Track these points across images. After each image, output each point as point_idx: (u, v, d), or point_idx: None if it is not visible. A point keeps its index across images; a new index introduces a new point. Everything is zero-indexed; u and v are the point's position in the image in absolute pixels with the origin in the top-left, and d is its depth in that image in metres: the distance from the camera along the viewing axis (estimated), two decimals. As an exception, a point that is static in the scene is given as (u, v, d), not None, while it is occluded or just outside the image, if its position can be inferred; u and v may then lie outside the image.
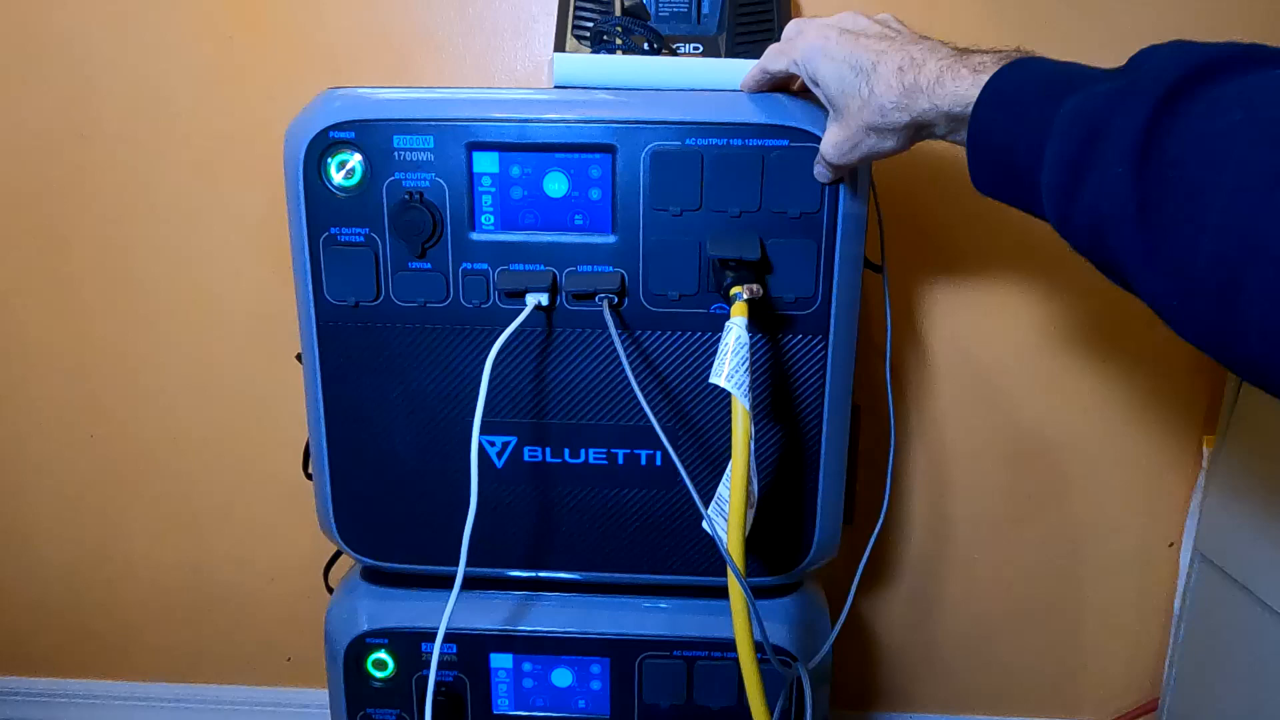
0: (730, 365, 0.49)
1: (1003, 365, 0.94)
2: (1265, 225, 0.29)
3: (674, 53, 0.69)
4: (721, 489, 0.53)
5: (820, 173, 0.56)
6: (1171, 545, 0.98)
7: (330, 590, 0.77)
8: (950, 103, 0.45)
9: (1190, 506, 0.95)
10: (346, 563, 0.73)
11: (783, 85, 0.58)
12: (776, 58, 0.55)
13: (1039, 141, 0.39)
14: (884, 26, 0.50)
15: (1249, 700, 0.84)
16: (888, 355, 0.71)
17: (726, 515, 0.50)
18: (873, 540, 0.70)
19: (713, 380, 0.50)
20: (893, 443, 0.72)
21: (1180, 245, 0.32)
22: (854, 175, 0.57)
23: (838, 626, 0.65)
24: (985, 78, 0.43)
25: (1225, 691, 0.88)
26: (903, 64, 0.46)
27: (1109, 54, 0.42)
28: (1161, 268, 0.33)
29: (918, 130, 0.48)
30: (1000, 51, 0.45)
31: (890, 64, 0.47)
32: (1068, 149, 0.37)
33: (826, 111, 0.54)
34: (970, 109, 0.43)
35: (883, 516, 0.71)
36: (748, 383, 0.50)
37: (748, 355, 0.50)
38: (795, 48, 0.52)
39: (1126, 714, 1.02)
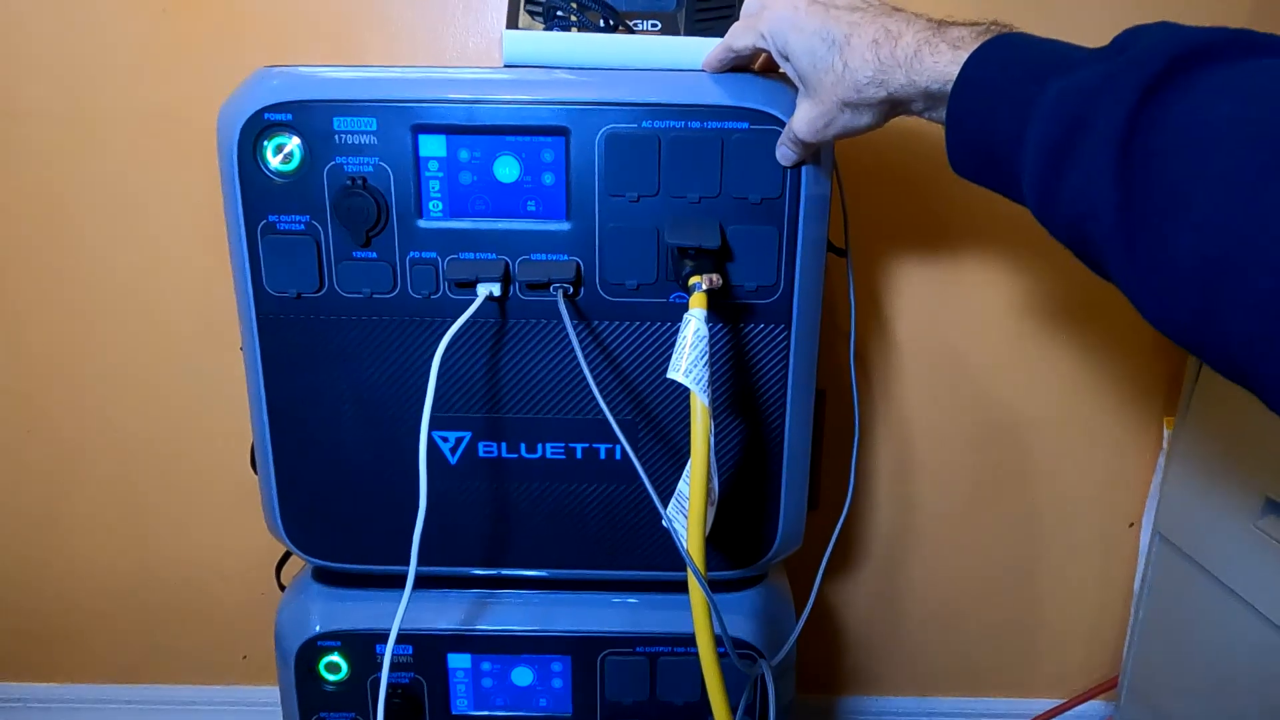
0: (689, 359, 0.47)
1: (967, 348, 0.93)
2: (1251, 226, 0.27)
3: (630, 30, 0.66)
4: (682, 485, 0.52)
5: (785, 154, 0.54)
6: (1132, 525, 0.99)
7: (283, 589, 0.74)
8: (928, 79, 0.43)
9: (1151, 487, 0.96)
10: (300, 561, 0.70)
11: (747, 63, 0.55)
12: (742, 33, 0.52)
13: (1020, 126, 0.38)
14: None
15: (1207, 678, 0.86)
16: (851, 340, 0.70)
17: (686, 513, 0.49)
18: (838, 528, 0.69)
19: (670, 375, 0.48)
20: (856, 428, 0.71)
21: (1162, 241, 0.31)
22: (816, 156, 0.55)
23: (802, 620, 0.64)
24: (965, 54, 0.41)
25: (1184, 670, 0.89)
26: (877, 37, 0.44)
27: (1088, 22, 0.41)
28: (1142, 262, 0.32)
29: (893, 107, 0.47)
30: (978, 25, 0.43)
31: (864, 36, 0.45)
32: (1050, 136, 0.36)
33: (794, 90, 0.52)
34: (948, 87, 0.42)
35: (848, 503, 0.70)
36: (707, 377, 0.48)
37: (707, 348, 0.48)
38: (762, 20, 0.50)
39: (1087, 692, 1.04)
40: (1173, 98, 0.31)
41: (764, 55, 0.53)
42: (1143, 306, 0.33)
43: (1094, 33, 0.43)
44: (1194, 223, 0.29)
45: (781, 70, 0.52)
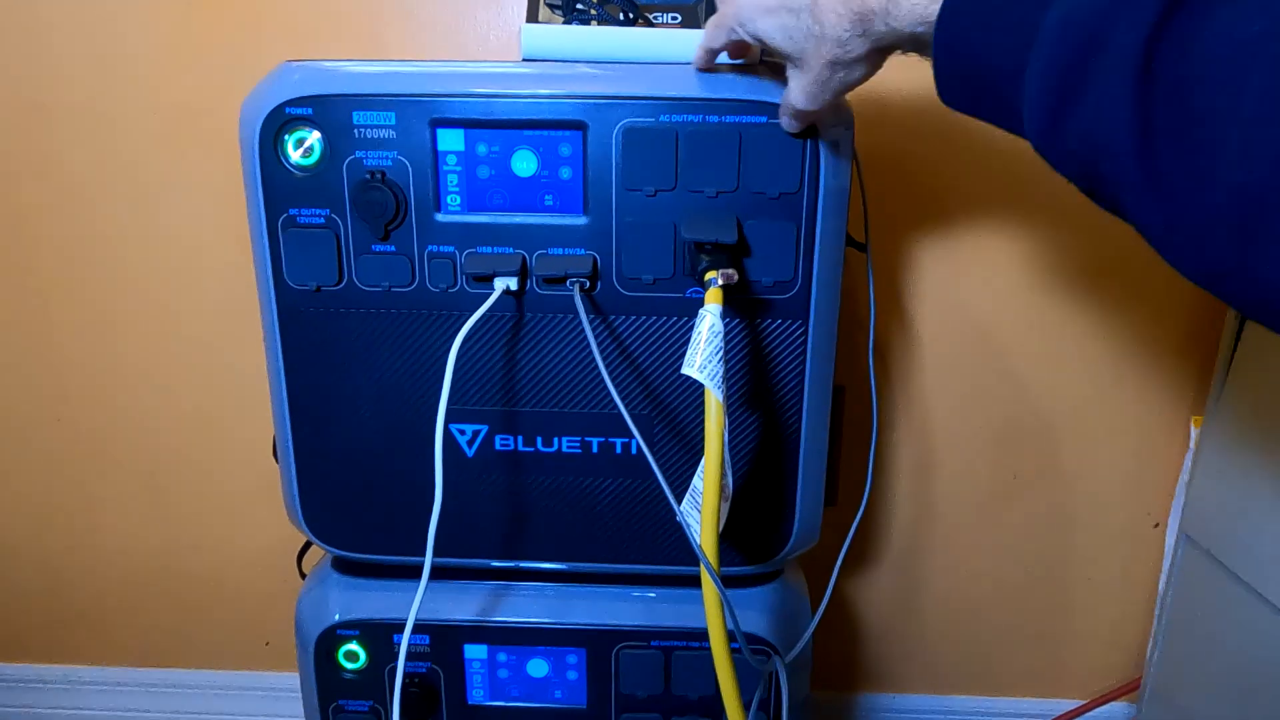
0: (703, 355, 0.47)
1: (989, 344, 0.92)
2: None
3: (650, 23, 0.66)
4: (696, 481, 0.52)
5: (787, 124, 0.53)
6: (1157, 526, 0.97)
7: (304, 577, 0.75)
8: (908, 22, 0.40)
9: (1176, 487, 0.94)
10: (320, 550, 0.71)
11: (741, 56, 0.55)
12: (715, 32, 0.51)
13: (1021, 50, 0.34)
14: None
15: (1231, 681, 0.84)
16: (870, 335, 0.69)
17: (700, 509, 0.49)
18: (855, 524, 0.68)
19: (685, 371, 0.48)
20: (875, 425, 0.70)
21: (1190, 175, 0.28)
22: (836, 148, 0.55)
23: (817, 617, 0.64)
24: None
25: (1208, 672, 0.88)
26: None
27: None
28: (1165, 199, 0.29)
29: (882, 54, 0.45)
30: None
31: None
32: (1056, 60, 0.33)
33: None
34: (932, 25, 0.39)
35: (866, 499, 0.70)
36: (721, 373, 0.48)
37: (722, 344, 0.48)
38: (728, 15, 0.49)
39: (1109, 693, 1.02)
40: (1197, 15, 0.28)
41: (753, 46, 0.52)
42: (1167, 249, 0.31)
43: None
44: (1228, 152, 0.27)
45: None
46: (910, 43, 0.42)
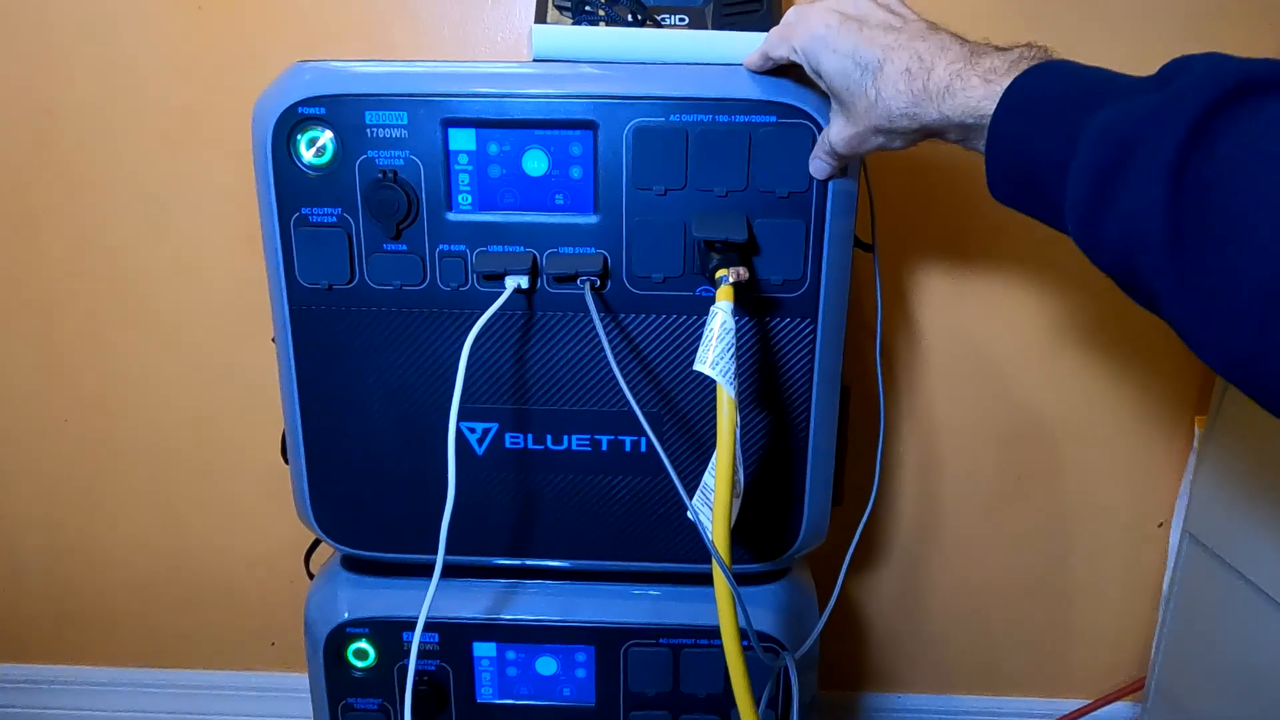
0: (715, 352, 0.48)
1: (995, 344, 0.93)
2: None
3: (658, 24, 0.66)
4: (707, 478, 0.52)
5: (819, 167, 0.54)
6: (1161, 525, 0.98)
7: (311, 576, 0.75)
8: (961, 114, 0.43)
9: (1180, 487, 0.95)
10: (328, 549, 0.71)
11: (785, 70, 0.56)
12: (778, 44, 0.52)
13: (1065, 155, 0.37)
14: (889, 12, 0.48)
15: (1236, 681, 0.84)
16: (878, 336, 0.70)
17: (712, 505, 0.49)
18: (862, 524, 0.68)
19: (697, 367, 0.48)
20: (882, 424, 0.71)
21: (1216, 273, 0.30)
22: (847, 169, 0.55)
23: (825, 614, 0.64)
24: (997, 87, 0.41)
25: (1212, 672, 0.88)
26: (910, 65, 0.44)
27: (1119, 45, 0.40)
28: (1194, 294, 0.32)
29: (927, 134, 0.47)
30: (1010, 51, 0.42)
31: (897, 64, 0.45)
32: (1097, 164, 0.35)
33: (826, 97, 0.52)
34: (982, 120, 0.42)
35: (873, 499, 0.70)
36: (733, 369, 0.48)
37: (733, 341, 0.48)
38: (795, 35, 0.50)
39: (1113, 693, 1.02)
40: (1225, 127, 0.31)
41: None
42: (1194, 340, 0.33)
43: (1124, 57, 0.43)
44: (1252, 253, 0.29)
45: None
46: (957, 131, 0.44)
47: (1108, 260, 0.37)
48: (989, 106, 0.41)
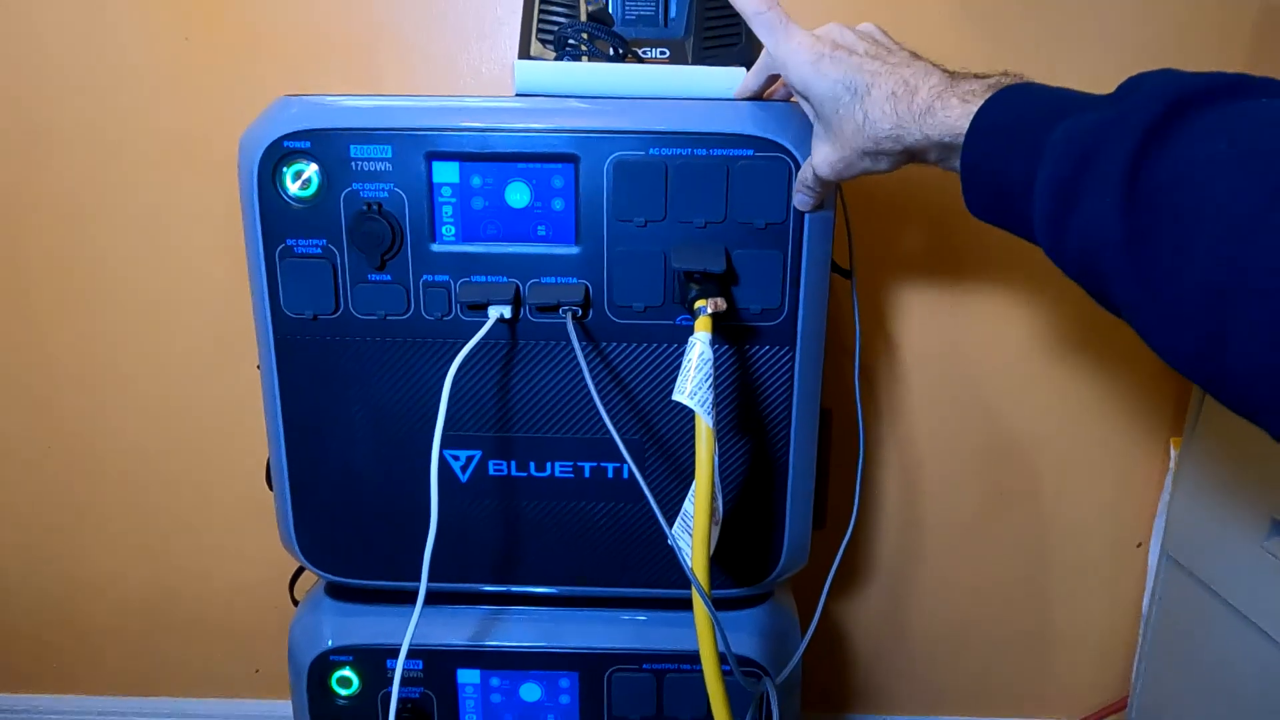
0: (693, 382, 0.48)
1: (974, 367, 0.94)
2: (1248, 257, 0.28)
3: (639, 58, 0.68)
4: (687, 505, 0.53)
5: (802, 200, 0.56)
6: (1140, 546, 0.99)
7: (296, 604, 0.75)
8: (940, 132, 0.44)
9: (1158, 507, 0.96)
10: (312, 576, 0.71)
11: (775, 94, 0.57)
12: (768, 70, 0.54)
13: (1031, 167, 0.39)
14: (873, 42, 0.50)
15: (1216, 699, 0.85)
16: (856, 359, 0.71)
17: (691, 532, 0.50)
18: (843, 546, 0.69)
19: (675, 397, 0.49)
20: (861, 448, 0.72)
21: (1167, 275, 0.32)
22: (826, 201, 0.56)
23: (806, 638, 0.64)
24: (974, 107, 0.43)
25: (1193, 691, 0.89)
26: (896, 89, 0.46)
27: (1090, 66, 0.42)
28: (1149, 297, 0.33)
29: (910, 156, 0.48)
30: (989, 77, 0.45)
31: (884, 89, 0.46)
32: (1058, 175, 0.37)
33: (799, 114, 0.53)
34: (958, 139, 0.44)
35: (853, 522, 0.71)
36: (711, 399, 0.49)
37: (711, 371, 0.49)
38: (781, 62, 0.51)
39: (1096, 713, 1.03)
40: (1174, 136, 0.33)
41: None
42: (1150, 338, 0.34)
43: (1096, 79, 0.44)
44: (1198, 255, 0.30)
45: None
46: (937, 150, 0.46)
47: (1073, 268, 0.38)
48: (965, 125, 0.43)
